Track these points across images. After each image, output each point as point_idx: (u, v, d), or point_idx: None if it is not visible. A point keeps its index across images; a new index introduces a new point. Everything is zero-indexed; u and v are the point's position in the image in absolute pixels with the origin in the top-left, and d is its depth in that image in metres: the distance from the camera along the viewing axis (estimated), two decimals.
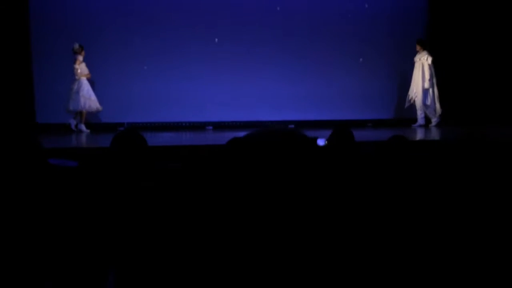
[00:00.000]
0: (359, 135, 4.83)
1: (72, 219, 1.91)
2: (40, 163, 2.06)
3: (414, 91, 9.67)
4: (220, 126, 9.72)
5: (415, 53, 9.86)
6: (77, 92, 8.66)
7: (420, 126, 9.64)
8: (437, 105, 9.66)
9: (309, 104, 10.09)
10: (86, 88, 8.69)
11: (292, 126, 9.89)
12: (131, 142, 2.76)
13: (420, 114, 9.72)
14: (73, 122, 8.85)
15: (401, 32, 10.23)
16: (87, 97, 8.68)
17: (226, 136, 1.35)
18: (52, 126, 8.88)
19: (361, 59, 10.20)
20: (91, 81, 8.94)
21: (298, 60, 10.02)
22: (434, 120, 9.70)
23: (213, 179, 1.12)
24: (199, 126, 9.70)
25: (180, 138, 8.63)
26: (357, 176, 2.27)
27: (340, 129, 3.53)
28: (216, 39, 9.64)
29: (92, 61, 9.08)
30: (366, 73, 10.30)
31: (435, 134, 8.76)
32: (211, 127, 9.77)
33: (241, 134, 1.25)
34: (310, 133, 4.96)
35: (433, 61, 9.56)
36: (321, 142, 4.14)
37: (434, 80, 9.62)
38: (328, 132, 3.92)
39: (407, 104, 9.83)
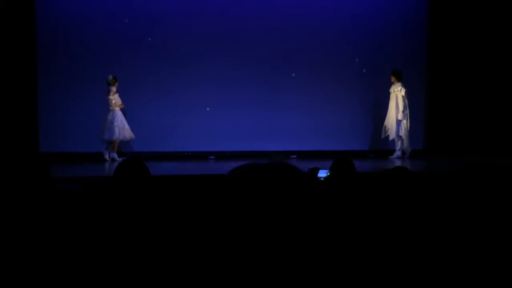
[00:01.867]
0: (360, 166, 4.85)
1: (79, 242, 1.93)
2: (48, 186, 2.09)
3: (390, 122, 9.69)
4: (222, 156, 9.74)
5: (415, 84, 9.93)
6: (112, 122, 8.88)
7: (398, 157, 9.61)
8: (407, 139, 9.66)
9: (310, 134, 10.13)
10: (120, 118, 8.93)
11: (294, 156, 9.92)
12: (134, 171, 2.78)
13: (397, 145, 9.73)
14: (106, 153, 8.99)
15: (401, 64, 10.30)
16: (121, 127, 8.92)
17: (228, 166, 1.38)
18: (55, 155, 8.91)
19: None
20: (124, 111, 9.13)
21: (300, 92, 10.10)
22: (397, 152, 9.68)
23: (214, 208, 1.15)
24: (201, 156, 9.73)
25: (183, 167, 8.66)
26: (358, 206, 2.28)
27: (341, 160, 3.55)
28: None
29: (97, 90, 9.19)
30: (367, 105, 10.37)
31: (438, 165, 8.78)
32: (213, 157, 9.80)
33: (243, 163, 1.28)
34: (311, 164, 4.99)
35: (406, 93, 9.54)
36: (323, 173, 4.15)
37: (407, 112, 9.61)
38: (329, 163, 3.94)
39: (383, 135, 9.81)
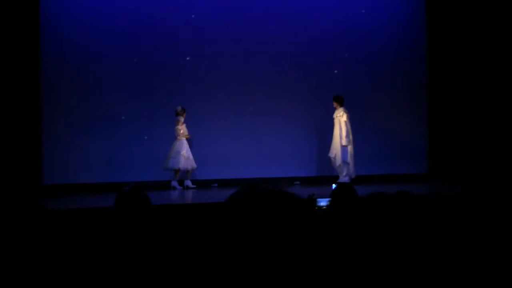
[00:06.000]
0: (365, 190, 4.77)
1: (79, 272, 1.91)
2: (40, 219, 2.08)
3: (334, 148, 9.45)
4: (225, 183, 9.70)
5: (418, 107, 9.91)
6: (178, 151, 9.10)
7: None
8: (353, 164, 9.39)
9: (314, 160, 10.13)
10: (186, 148, 9.16)
11: (298, 182, 9.88)
12: (135, 201, 2.77)
13: (339, 171, 9.43)
14: (176, 184, 9.14)
15: (403, 86, 10.32)
16: (186, 157, 9.13)
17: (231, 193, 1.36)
18: (60, 187, 8.89)
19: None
20: (190, 140, 9.35)
21: (303, 118, 10.15)
22: (341, 178, 9.35)
23: (212, 235, 1.13)
24: (204, 184, 9.69)
25: (185, 196, 8.63)
26: (363, 234, 2.25)
27: (342, 186, 3.51)
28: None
29: (101, 121, 9.24)
30: (369, 130, 10.36)
31: (443, 188, 8.73)
32: (216, 185, 9.77)
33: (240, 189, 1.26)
34: (313, 190, 4.96)
35: (348, 118, 9.34)
36: (324, 201, 4.09)
37: (351, 137, 9.38)
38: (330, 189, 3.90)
39: (333, 162, 9.55)
